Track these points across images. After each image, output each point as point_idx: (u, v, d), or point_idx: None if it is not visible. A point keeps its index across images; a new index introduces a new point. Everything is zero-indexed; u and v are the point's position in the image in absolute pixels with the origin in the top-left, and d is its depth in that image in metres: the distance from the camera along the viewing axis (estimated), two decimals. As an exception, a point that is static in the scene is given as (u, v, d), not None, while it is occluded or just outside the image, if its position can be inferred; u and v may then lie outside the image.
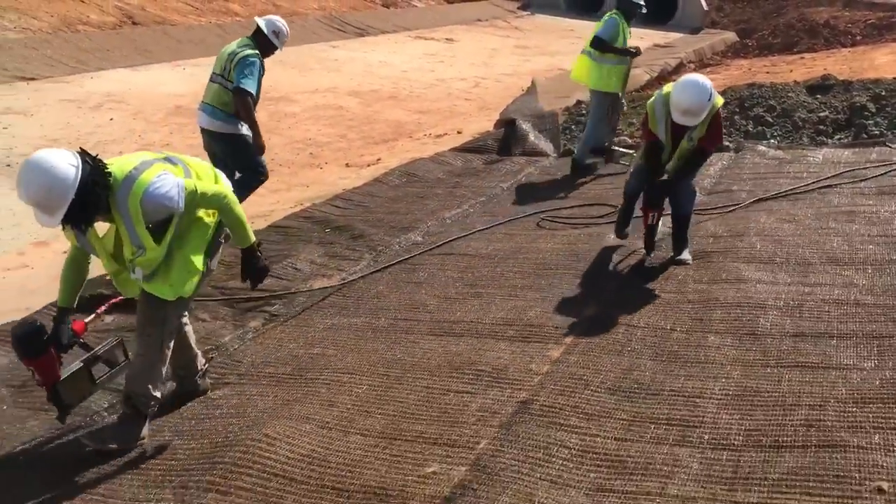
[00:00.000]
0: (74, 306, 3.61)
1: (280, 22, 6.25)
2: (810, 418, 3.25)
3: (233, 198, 3.63)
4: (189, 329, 3.99)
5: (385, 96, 13.08)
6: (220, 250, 3.85)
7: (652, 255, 5.29)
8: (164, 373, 3.63)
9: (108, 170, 3.33)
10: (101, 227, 3.50)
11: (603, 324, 4.41)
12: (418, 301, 5.02)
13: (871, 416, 3.21)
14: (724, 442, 3.17)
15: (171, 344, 3.65)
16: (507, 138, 9.19)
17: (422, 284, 5.31)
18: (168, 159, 3.59)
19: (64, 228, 3.38)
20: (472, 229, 6.32)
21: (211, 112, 6.09)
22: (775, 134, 8.33)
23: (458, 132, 10.65)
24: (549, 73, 14.86)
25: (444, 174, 8.34)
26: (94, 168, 3.28)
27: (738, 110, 8.88)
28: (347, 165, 9.50)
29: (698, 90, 4.81)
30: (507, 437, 3.32)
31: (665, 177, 5.17)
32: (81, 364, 3.66)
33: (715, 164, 7.65)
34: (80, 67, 12.20)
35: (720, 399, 3.49)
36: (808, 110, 8.55)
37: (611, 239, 5.69)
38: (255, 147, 6.19)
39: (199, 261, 3.56)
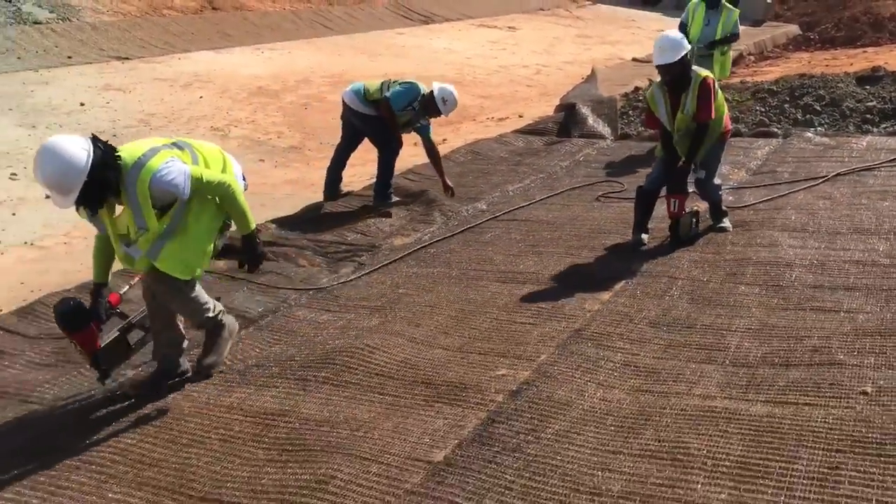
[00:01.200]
0: (108, 281, 3.93)
1: (452, 93, 7.12)
2: (817, 346, 3.97)
3: (236, 186, 3.84)
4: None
5: (449, 81, 13.85)
6: (229, 229, 4.09)
7: (673, 249, 5.59)
8: (205, 300, 3.96)
9: (119, 154, 3.59)
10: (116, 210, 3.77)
11: (648, 276, 5.16)
12: (486, 256, 5.83)
13: (868, 344, 3.91)
14: (743, 361, 3.92)
15: (196, 286, 3.91)
16: (566, 121, 9.94)
17: (488, 244, 6.12)
18: (176, 144, 3.81)
19: (78, 210, 3.64)
20: (533, 199, 7.11)
21: (356, 93, 7.13)
22: (823, 122, 8.91)
23: (520, 116, 11.41)
24: (609, 62, 15.50)
25: (507, 153, 9.13)
26: (104, 152, 3.52)
27: (787, 99, 9.47)
28: (416, 144, 10.32)
29: (666, 35, 5.53)
30: (563, 353, 4.13)
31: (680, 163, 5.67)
32: (118, 332, 4.01)
33: (762, 148, 8.31)
34: (169, 49, 13.30)
35: (743, 332, 4.23)
36: (856, 100, 9.09)
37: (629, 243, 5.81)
38: (395, 140, 7.26)
39: (211, 242, 3.88)
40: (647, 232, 5.84)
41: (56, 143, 3.47)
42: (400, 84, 7.10)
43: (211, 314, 4.01)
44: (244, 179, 4.18)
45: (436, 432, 3.44)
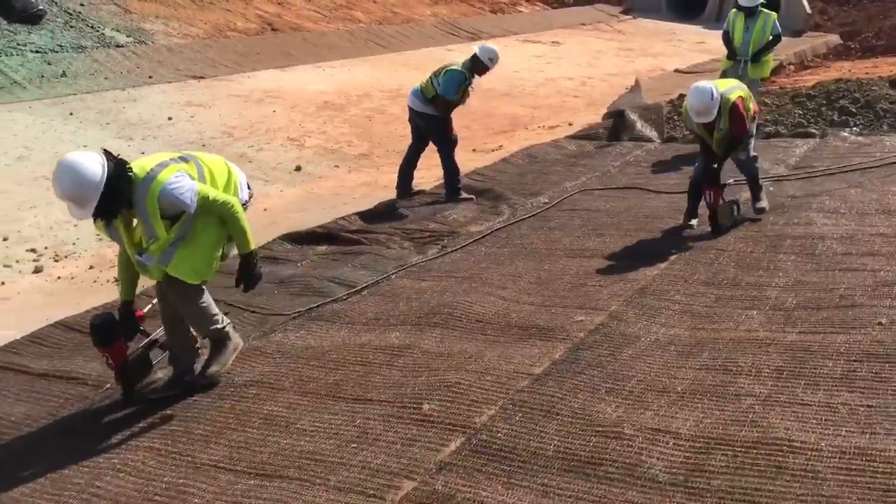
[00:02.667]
0: (135, 298, 4.30)
1: (493, 49, 8.43)
2: (843, 294, 4.91)
3: (238, 207, 4.12)
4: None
5: (500, 93, 14.95)
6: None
7: (717, 237, 6.34)
8: (214, 311, 4.30)
9: (130, 167, 3.88)
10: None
11: (699, 249, 6.13)
12: (554, 238, 6.82)
13: (885, 292, 4.84)
14: (781, 307, 4.86)
15: (206, 296, 4.27)
16: (615, 127, 10.92)
17: (554, 229, 7.11)
18: (183, 158, 4.13)
19: (95, 221, 3.93)
20: (591, 195, 8.12)
21: (415, 94, 8.31)
22: (857, 123, 9.77)
23: (570, 124, 12.40)
24: (652, 73, 16.45)
25: (561, 156, 10.13)
26: (117, 165, 3.81)
27: (824, 102, 10.36)
28: (474, 150, 11.37)
29: (700, 94, 6.25)
30: (630, 305, 5.10)
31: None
32: (142, 349, 4.36)
33: (801, 147, 9.21)
34: (237, 68, 14.55)
35: (782, 286, 5.18)
36: (889, 102, 9.96)
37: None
38: (451, 137, 8.43)
39: (219, 251, 4.21)
40: (696, 217, 6.77)
41: (73, 158, 3.76)
42: (443, 76, 8.18)
43: (218, 326, 4.33)
44: (249, 188, 4.52)
45: (533, 356, 4.44)
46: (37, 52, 12.85)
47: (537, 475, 3.32)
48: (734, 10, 9.76)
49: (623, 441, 3.50)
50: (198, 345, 4.51)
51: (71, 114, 11.13)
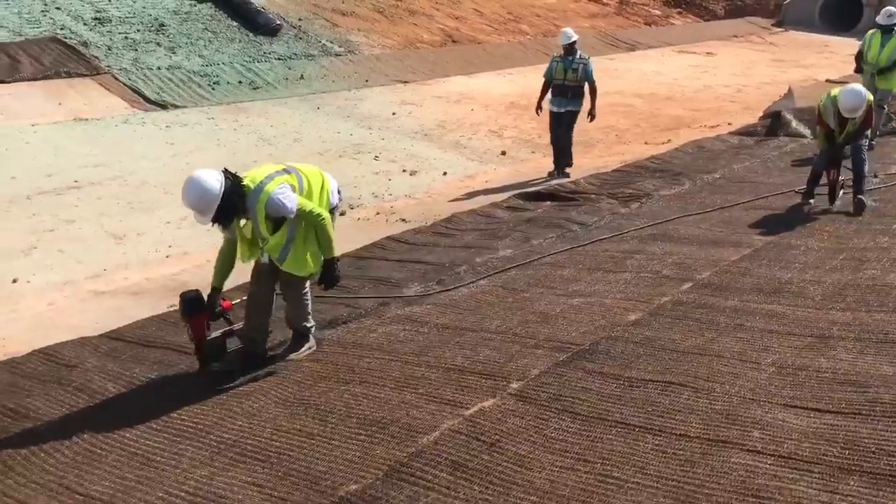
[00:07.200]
0: (223, 287, 5.07)
1: (562, 32, 12.08)
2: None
3: (327, 219, 4.97)
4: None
5: (662, 98, 17.57)
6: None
7: (834, 205, 8.49)
8: (310, 310, 5.25)
9: (244, 182, 4.73)
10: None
11: (823, 209, 8.64)
12: (731, 200, 9.41)
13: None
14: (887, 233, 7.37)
15: (309, 293, 5.23)
16: (773, 125, 13.37)
17: (729, 193, 9.71)
18: (286, 170, 4.99)
19: (213, 225, 4.78)
20: (756, 173, 10.68)
21: None
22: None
23: (729, 124, 14.89)
24: (804, 83, 18.63)
25: (726, 147, 12.69)
26: (233, 182, 4.68)
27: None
28: (646, 143, 14.06)
29: (858, 96, 8.30)
30: (791, 231, 7.71)
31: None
32: (221, 334, 5.06)
33: None
34: (431, 74, 17.79)
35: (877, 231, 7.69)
36: None
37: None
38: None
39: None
40: (813, 198, 8.92)
41: (198, 176, 4.66)
42: None
43: (307, 324, 5.31)
44: (339, 193, 5.43)
45: (728, 253, 7.14)
46: (279, 59, 16.48)
47: (739, 297, 6.04)
48: (872, 29, 11.98)
49: (793, 285, 6.17)
50: (269, 331, 5.36)
51: (318, 108, 14.57)
